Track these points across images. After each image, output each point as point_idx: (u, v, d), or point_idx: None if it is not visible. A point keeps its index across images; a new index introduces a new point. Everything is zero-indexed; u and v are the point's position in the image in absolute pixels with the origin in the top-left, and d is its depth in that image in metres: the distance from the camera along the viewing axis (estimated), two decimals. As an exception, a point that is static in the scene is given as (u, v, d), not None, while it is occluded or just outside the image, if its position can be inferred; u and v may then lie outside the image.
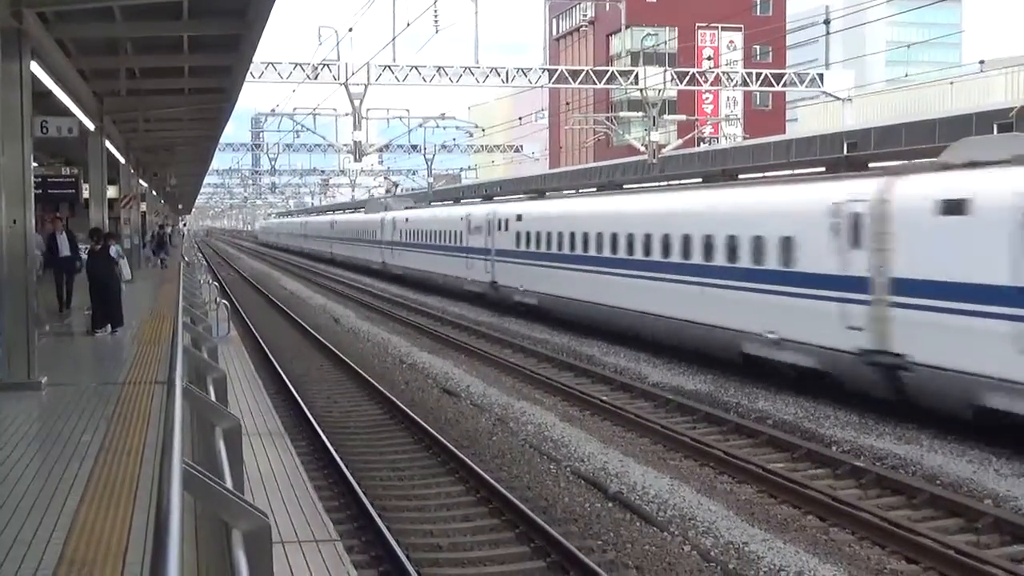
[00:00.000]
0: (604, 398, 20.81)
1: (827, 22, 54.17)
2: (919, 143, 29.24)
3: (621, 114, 70.62)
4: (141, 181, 42.51)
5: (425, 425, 17.67)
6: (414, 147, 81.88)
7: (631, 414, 19.24)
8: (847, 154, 32.57)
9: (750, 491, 14.50)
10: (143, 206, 43.39)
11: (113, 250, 19.53)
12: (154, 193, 53.37)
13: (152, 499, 7.09)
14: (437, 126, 76.17)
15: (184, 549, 3.83)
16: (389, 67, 46.27)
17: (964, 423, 16.62)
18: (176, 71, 22.20)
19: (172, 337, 12.24)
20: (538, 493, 14.21)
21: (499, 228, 37.08)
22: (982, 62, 47.95)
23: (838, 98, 51.79)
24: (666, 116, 60.51)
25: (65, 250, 21.61)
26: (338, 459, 15.15)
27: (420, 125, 74.57)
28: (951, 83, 51.82)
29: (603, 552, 11.83)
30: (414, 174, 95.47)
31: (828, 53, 61.51)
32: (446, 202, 55.26)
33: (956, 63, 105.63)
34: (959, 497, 13.65)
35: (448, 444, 16.24)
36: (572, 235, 30.83)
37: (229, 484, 5.80)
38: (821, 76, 52.40)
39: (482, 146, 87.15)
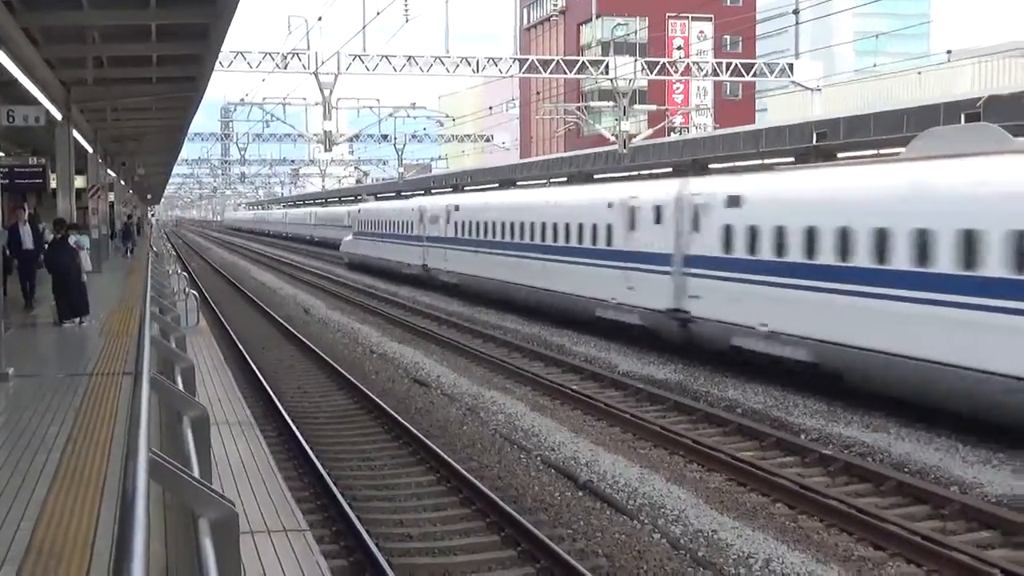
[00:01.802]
0: (574, 387, 20.85)
1: (796, 12, 54.23)
2: (887, 133, 29.38)
3: (592, 104, 70.72)
4: (109, 171, 42.24)
5: (395, 415, 17.66)
6: (384, 137, 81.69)
7: (601, 403, 19.28)
8: (816, 144, 32.69)
9: (719, 479, 14.58)
10: (111, 196, 43.10)
11: (72, 240, 19.21)
12: (122, 183, 53.02)
13: (120, 489, 7.06)
14: (408, 116, 76.08)
15: (151, 538, 3.83)
16: (359, 56, 46.11)
17: (932, 410, 16.77)
18: (144, 60, 22.06)
19: (140, 327, 12.19)
20: (508, 483, 14.24)
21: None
22: (949, 52, 48.33)
23: (807, 88, 51.99)
24: (636, 106, 60.52)
25: (28, 243, 21.28)
26: (308, 449, 15.12)
27: (390, 115, 74.40)
28: (919, 73, 52.11)
29: (573, 541, 11.87)
30: (384, 164, 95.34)
31: (797, 43, 61.65)
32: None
33: (924, 53, 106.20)
34: (926, 484, 13.76)
35: (418, 434, 16.24)
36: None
37: (196, 473, 5.80)
38: (791, 66, 52.57)
39: (453, 136, 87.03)
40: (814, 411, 18.02)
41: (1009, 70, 49.85)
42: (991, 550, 11.53)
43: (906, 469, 14.54)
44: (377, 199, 64.40)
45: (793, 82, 52.86)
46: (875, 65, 70.62)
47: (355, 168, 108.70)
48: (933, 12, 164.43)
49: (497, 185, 43.22)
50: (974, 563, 10.81)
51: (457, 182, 58.45)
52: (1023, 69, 49.96)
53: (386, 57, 46.46)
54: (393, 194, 63.39)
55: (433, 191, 53.05)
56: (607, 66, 50.01)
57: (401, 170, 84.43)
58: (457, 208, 39.61)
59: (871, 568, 11.12)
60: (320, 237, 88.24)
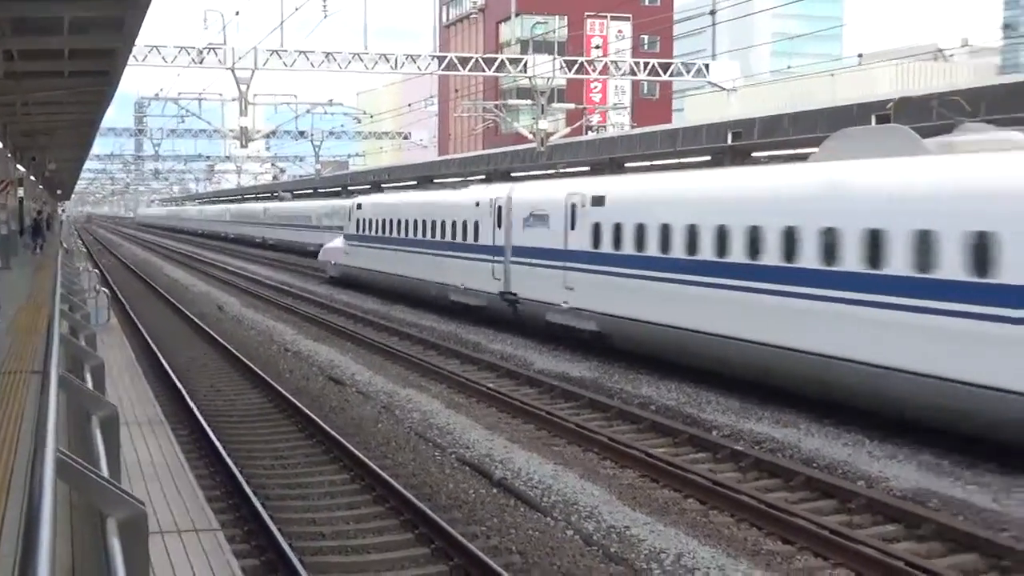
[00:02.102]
0: (490, 385, 20.91)
1: (713, 13, 54.86)
2: (801, 133, 29.81)
3: (510, 102, 70.88)
4: (19, 166, 41.50)
5: (309, 413, 17.57)
6: (301, 133, 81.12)
7: (517, 401, 19.36)
8: (732, 143, 33.08)
9: (633, 475, 14.72)
10: (21, 191, 42.35)
11: None
12: (32, 178, 52.10)
13: (26, 490, 6.97)
14: (325, 112, 75.57)
15: (57, 539, 3.80)
16: (276, 52, 45.72)
17: (835, 405, 17.07)
18: (56, 54, 21.69)
19: (48, 325, 12.02)
20: (423, 480, 14.25)
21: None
22: (860, 55, 49.25)
23: (724, 88, 52.55)
24: (555, 104, 60.75)
25: None
26: (220, 447, 15.00)
27: (308, 111, 73.89)
28: (832, 75, 52.97)
29: (487, 538, 11.91)
30: (301, 160, 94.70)
31: (715, 44, 62.33)
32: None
33: (838, 56, 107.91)
34: (834, 479, 14.01)
35: (333, 432, 16.18)
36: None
37: (105, 473, 5.74)
38: (707, 66, 53.11)
39: (371, 133, 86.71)
40: (726, 408, 18.25)
41: (922, 72, 51.00)
42: (896, 543, 11.77)
43: (815, 464, 14.79)
44: (381, 189, 52.46)
45: (710, 82, 53.39)
46: (789, 67, 71.71)
47: (272, 164, 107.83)
48: (846, 16, 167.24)
49: (766, 159, 27.20)
50: (879, 556, 11.04)
51: (375, 179, 58.08)
52: (934, 71, 51.14)
53: (304, 53, 46.10)
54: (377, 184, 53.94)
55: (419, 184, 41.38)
56: (525, 64, 50.13)
57: (318, 167, 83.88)
58: (600, 200, 23.69)
59: (780, 562, 11.30)
60: (236, 234, 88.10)
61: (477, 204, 29.78)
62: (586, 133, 62.08)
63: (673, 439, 16.66)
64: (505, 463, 14.78)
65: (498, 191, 29.27)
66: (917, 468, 14.33)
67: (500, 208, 28.33)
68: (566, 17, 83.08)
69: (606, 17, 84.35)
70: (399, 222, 36.52)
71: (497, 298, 28.06)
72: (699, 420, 17.56)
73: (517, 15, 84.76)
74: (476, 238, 29.45)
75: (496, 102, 68.35)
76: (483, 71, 49.97)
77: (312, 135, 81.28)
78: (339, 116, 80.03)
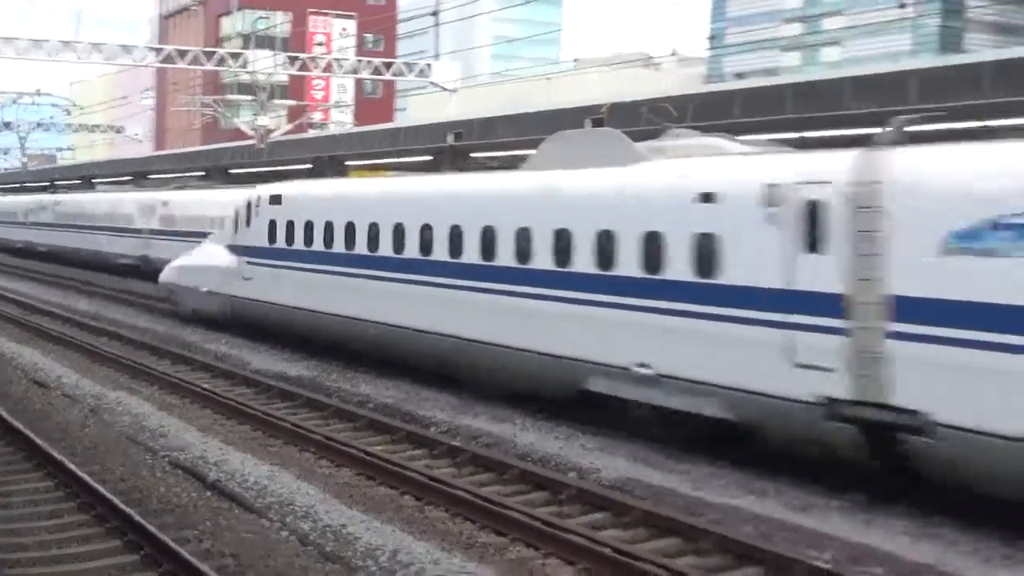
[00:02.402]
0: (205, 385, 20.44)
1: (435, 14, 55.48)
2: (519, 135, 30.44)
3: (230, 97, 69.44)
4: None
5: (9, 419, 16.67)
6: (6, 124, 77.10)
7: (232, 401, 19.01)
8: (453, 143, 33.50)
9: (349, 474, 14.69)
10: None
11: None
12: None
13: None
14: (33, 103, 72.16)
15: None
16: (-22, 38, 43.33)
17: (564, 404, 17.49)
18: None
19: None
20: (133, 485, 13.76)
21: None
22: (576, 60, 50.80)
23: (445, 89, 53.13)
24: (276, 101, 59.94)
25: None
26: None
27: (14, 101, 70.37)
28: (548, 78, 54.41)
29: (200, 542, 11.60)
30: (6, 154, 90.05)
31: (438, 44, 62.99)
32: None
33: (555, 60, 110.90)
34: (546, 471, 14.36)
35: (34, 438, 15.41)
36: None
37: None
38: (430, 66, 53.57)
39: (82, 125, 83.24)
40: (444, 404, 18.43)
41: (634, 78, 53.02)
42: (603, 531, 12.16)
43: (530, 458, 15.10)
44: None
45: (432, 83, 53.87)
46: (508, 70, 73.26)
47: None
48: (564, 21, 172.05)
49: None
50: (587, 544, 11.40)
51: (87, 173, 55.58)
52: (645, 78, 53.25)
53: (9, 40, 43.84)
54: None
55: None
56: (246, 59, 49.26)
57: (24, 160, 79.97)
58: None
59: (493, 554, 11.51)
60: None
61: (707, 198, 14.60)
62: (308, 131, 61.56)
63: (391, 436, 16.70)
64: (220, 465, 14.46)
65: (802, 166, 13.89)
66: (627, 459, 14.84)
67: (816, 207, 13.13)
68: (289, 13, 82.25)
69: (330, 14, 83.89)
70: (398, 231, 20.54)
71: (816, 413, 13.03)
72: (417, 417, 17.68)
73: (239, 9, 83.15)
74: (704, 271, 14.61)
75: (216, 97, 66.88)
76: (202, 65, 48.79)
77: (18, 126, 77.31)
78: (48, 107, 76.61)
